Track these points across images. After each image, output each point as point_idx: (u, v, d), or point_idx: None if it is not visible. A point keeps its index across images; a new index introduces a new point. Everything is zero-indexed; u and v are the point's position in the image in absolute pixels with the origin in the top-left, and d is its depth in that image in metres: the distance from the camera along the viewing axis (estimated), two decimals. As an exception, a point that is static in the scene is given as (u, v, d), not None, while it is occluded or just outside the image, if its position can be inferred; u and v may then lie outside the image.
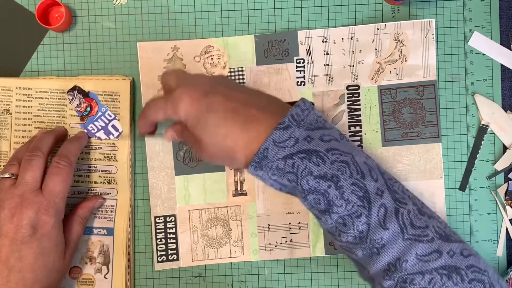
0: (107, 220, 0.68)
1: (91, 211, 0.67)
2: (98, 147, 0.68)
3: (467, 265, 0.52)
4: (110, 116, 0.67)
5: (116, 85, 0.67)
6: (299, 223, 0.68)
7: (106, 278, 0.67)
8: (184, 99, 0.55)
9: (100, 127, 0.67)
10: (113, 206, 0.68)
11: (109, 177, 0.68)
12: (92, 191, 0.68)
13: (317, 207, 0.54)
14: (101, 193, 0.68)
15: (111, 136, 0.67)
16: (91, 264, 0.68)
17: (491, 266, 0.55)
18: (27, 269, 0.59)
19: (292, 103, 0.58)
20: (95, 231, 0.68)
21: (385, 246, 0.52)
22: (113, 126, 0.67)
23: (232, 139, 0.54)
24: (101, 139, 0.67)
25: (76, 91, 0.67)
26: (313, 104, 0.57)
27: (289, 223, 0.68)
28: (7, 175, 0.61)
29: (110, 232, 0.68)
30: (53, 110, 0.67)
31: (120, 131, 0.67)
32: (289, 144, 0.53)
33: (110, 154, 0.68)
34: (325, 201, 0.53)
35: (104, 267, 0.67)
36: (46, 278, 0.60)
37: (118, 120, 0.67)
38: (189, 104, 0.55)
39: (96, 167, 0.68)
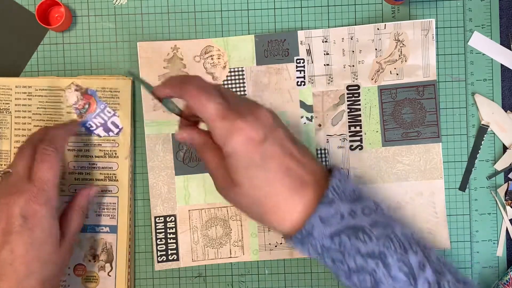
0: (110, 218, 0.68)
1: (88, 199, 0.65)
2: (98, 144, 0.68)
3: None
4: (110, 113, 0.67)
5: (116, 82, 0.67)
6: (299, 223, 0.68)
7: (110, 276, 0.67)
8: (241, 135, 0.50)
9: (99, 124, 0.67)
10: (115, 203, 0.68)
11: (110, 174, 0.68)
12: (93, 188, 0.68)
13: (361, 286, 0.51)
14: (102, 191, 0.68)
15: (110, 133, 0.67)
16: (95, 261, 0.68)
17: None
18: (19, 261, 0.56)
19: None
20: (98, 228, 0.68)
21: None
22: (112, 122, 0.67)
23: (275, 201, 0.51)
24: (100, 136, 0.67)
25: (73, 88, 0.67)
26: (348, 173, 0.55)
27: (289, 223, 0.68)
28: (10, 170, 0.60)
29: (113, 229, 0.68)
30: (51, 108, 0.67)
31: (120, 127, 0.67)
32: (335, 221, 0.50)
33: (110, 151, 0.68)
34: (372, 280, 0.50)
35: (108, 265, 0.68)
36: (40, 270, 0.58)
37: (118, 117, 0.67)
38: (243, 144, 0.50)
39: (96, 164, 0.68)
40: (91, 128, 0.67)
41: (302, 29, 0.68)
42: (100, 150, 0.68)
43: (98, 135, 0.67)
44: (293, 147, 0.52)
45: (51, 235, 0.59)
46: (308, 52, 0.68)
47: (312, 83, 0.68)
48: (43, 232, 0.58)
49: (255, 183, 0.51)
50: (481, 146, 0.68)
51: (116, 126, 0.67)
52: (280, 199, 0.51)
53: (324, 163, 0.68)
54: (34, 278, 0.57)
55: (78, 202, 0.65)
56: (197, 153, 0.55)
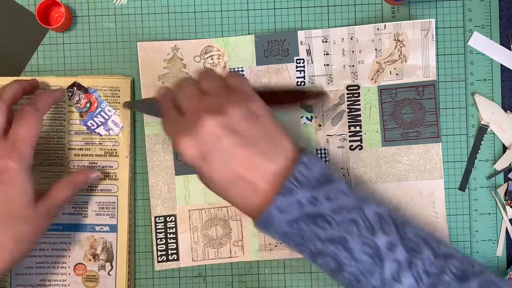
0: (110, 217, 0.68)
1: (85, 179, 0.65)
2: (99, 143, 0.68)
3: None
4: (110, 112, 0.67)
5: (115, 82, 0.67)
6: (299, 223, 0.68)
7: (110, 275, 0.68)
8: (185, 155, 0.53)
9: (100, 123, 0.67)
10: (115, 203, 0.68)
11: (111, 173, 0.68)
12: (92, 188, 0.68)
13: (328, 269, 0.53)
14: (101, 190, 0.68)
15: (111, 132, 0.67)
16: (95, 261, 0.68)
17: None
18: None
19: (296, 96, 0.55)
20: (97, 228, 0.68)
21: None
22: (113, 121, 0.67)
23: (235, 203, 0.55)
24: (101, 135, 0.67)
25: (75, 88, 0.67)
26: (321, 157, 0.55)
27: (289, 223, 0.68)
28: None
29: (113, 228, 0.68)
30: (52, 107, 0.67)
31: (120, 126, 0.67)
32: (293, 209, 0.51)
33: (111, 149, 0.68)
34: (335, 263, 0.52)
35: (108, 264, 0.68)
36: (13, 226, 0.58)
37: (118, 115, 0.67)
38: (189, 161, 0.53)
39: (97, 163, 0.68)
40: (92, 127, 0.67)
41: (302, 29, 0.68)
42: (101, 149, 0.68)
43: (99, 134, 0.67)
44: (243, 153, 0.52)
45: (24, 192, 0.58)
46: (308, 52, 0.68)
47: (312, 83, 0.68)
48: (16, 189, 0.58)
49: (216, 190, 0.55)
50: (481, 146, 0.68)
51: (117, 125, 0.67)
52: (238, 201, 0.54)
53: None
54: (7, 234, 0.57)
55: (74, 177, 0.64)
56: None
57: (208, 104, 0.54)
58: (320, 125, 0.68)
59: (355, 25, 0.68)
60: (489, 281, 0.52)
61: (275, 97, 0.60)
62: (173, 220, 0.68)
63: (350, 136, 0.68)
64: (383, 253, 0.51)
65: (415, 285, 0.51)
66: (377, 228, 0.52)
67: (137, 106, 0.67)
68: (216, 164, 0.52)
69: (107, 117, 0.67)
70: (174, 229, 0.68)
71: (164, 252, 0.68)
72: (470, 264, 0.53)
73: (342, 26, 0.68)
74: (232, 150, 0.52)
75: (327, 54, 0.68)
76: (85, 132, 0.68)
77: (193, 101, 0.54)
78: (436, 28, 0.68)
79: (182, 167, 0.68)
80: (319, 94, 0.57)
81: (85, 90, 0.67)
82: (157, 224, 0.68)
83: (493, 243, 0.68)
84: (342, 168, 0.68)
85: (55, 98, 0.64)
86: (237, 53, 0.68)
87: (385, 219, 0.53)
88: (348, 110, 0.68)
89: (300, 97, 0.58)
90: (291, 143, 0.54)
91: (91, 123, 0.68)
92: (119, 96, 0.67)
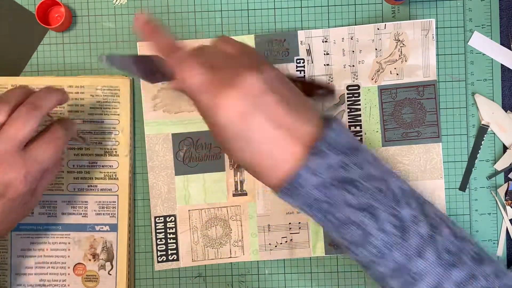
0: (110, 217, 0.68)
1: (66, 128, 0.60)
2: (98, 142, 0.68)
3: (501, 285, 0.50)
4: None
5: (116, 81, 0.67)
6: (299, 223, 0.68)
7: (110, 275, 0.68)
8: (229, 108, 0.49)
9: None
10: (115, 202, 0.68)
11: (111, 173, 0.68)
12: (92, 188, 0.68)
13: (350, 239, 0.51)
14: (101, 190, 0.68)
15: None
16: (95, 261, 0.68)
17: None
18: None
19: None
20: (97, 227, 0.68)
21: (421, 275, 0.50)
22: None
23: (264, 166, 0.51)
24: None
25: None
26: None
27: (289, 223, 0.68)
28: None
29: (113, 228, 0.68)
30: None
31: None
32: (325, 172, 0.49)
33: (111, 148, 0.67)
34: (361, 233, 0.50)
35: (108, 264, 0.68)
36: (5, 227, 0.57)
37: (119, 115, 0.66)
38: (227, 118, 0.50)
39: (97, 163, 0.68)
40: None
41: (302, 29, 0.68)
42: (100, 148, 0.68)
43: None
44: (284, 110, 0.50)
45: (26, 203, 0.57)
46: (308, 52, 0.68)
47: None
48: (20, 203, 0.56)
49: (244, 154, 0.51)
50: (481, 146, 0.68)
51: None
52: (269, 163, 0.51)
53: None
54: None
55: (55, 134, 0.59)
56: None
57: (243, 62, 0.52)
58: (320, 125, 0.68)
59: (355, 25, 0.68)
60: (501, 270, 0.52)
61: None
62: (173, 220, 0.68)
63: (350, 136, 0.68)
64: (407, 225, 0.50)
65: (437, 262, 0.50)
66: (401, 200, 0.50)
67: (121, 63, 0.54)
68: (257, 119, 0.49)
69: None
70: (174, 229, 0.68)
71: (164, 252, 0.68)
72: (483, 250, 0.53)
73: (342, 26, 0.68)
74: (275, 107, 0.50)
75: (327, 54, 0.68)
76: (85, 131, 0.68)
77: (226, 59, 0.52)
78: (437, 28, 0.68)
79: (182, 167, 0.68)
80: (330, 90, 0.56)
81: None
82: (157, 224, 0.68)
83: (494, 243, 0.68)
84: (338, 119, 0.67)
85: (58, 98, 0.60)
86: (237, 53, 0.68)
87: (407, 194, 0.52)
88: (348, 110, 0.68)
89: (314, 88, 0.57)
90: (316, 113, 0.53)
91: None
92: (119, 96, 0.67)
